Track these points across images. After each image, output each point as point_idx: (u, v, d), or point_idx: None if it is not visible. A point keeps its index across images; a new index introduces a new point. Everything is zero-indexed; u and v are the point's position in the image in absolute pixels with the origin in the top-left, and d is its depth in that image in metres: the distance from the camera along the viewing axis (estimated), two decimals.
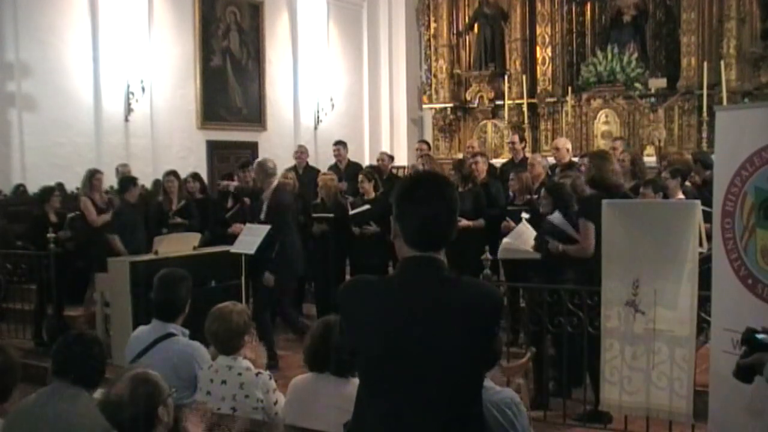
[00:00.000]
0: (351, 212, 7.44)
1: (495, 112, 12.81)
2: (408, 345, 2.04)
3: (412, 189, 2.16)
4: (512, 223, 6.32)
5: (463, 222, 6.50)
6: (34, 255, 7.14)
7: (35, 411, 2.79)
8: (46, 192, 7.54)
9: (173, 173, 7.97)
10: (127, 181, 7.48)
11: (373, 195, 7.55)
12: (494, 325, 2.12)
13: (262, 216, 6.67)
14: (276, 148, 11.51)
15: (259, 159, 6.99)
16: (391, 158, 9.74)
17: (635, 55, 11.55)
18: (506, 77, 12.43)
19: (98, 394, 2.65)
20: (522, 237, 5.85)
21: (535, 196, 6.50)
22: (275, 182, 6.74)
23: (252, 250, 6.97)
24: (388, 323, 2.07)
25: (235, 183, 8.19)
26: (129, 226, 7.15)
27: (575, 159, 8.18)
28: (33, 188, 8.72)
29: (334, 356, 3.06)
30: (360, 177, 7.75)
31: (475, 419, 2.13)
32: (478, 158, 7.56)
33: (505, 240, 5.91)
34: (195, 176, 8.49)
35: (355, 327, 2.17)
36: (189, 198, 8.00)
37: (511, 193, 7.18)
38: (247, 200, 7.78)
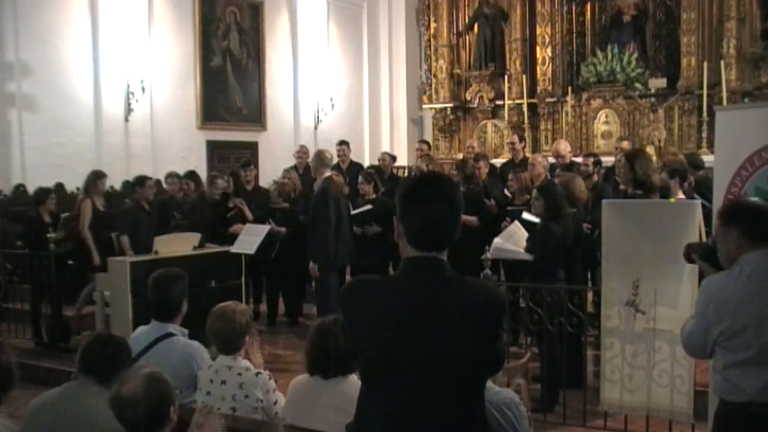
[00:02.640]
0: (353, 212, 7.44)
1: (495, 112, 12.82)
2: (410, 345, 2.04)
3: (416, 189, 2.15)
4: (509, 224, 6.36)
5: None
6: (34, 255, 7.14)
7: (60, 404, 2.82)
8: (42, 193, 7.51)
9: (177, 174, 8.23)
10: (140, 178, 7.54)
11: (373, 196, 7.56)
12: (497, 326, 2.11)
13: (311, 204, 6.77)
14: (276, 148, 11.52)
15: (319, 149, 7.13)
16: (393, 158, 9.75)
17: (635, 55, 11.56)
18: (506, 77, 12.44)
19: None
20: (513, 237, 5.86)
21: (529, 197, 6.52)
22: (327, 173, 6.77)
23: (252, 250, 7.00)
24: (390, 323, 2.07)
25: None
26: (136, 227, 7.16)
27: (578, 159, 8.18)
28: (33, 188, 8.71)
29: (333, 357, 3.06)
30: (360, 179, 7.76)
31: (478, 419, 2.13)
32: (481, 162, 7.66)
33: (496, 240, 5.92)
34: (189, 175, 8.52)
35: (357, 327, 2.17)
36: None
37: (509, 194, 7.19)
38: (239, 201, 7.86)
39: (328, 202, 6.57)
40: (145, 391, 2.42)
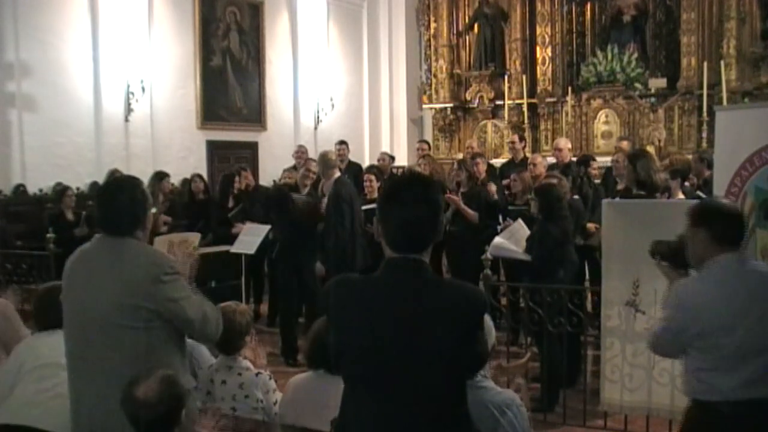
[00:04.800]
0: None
1: (495, 112, 12.82)
2: (391, 346, 2.05)
3: (393, 191, 2.16)
4: (511, 223, 6.37)
5: (459, 202, 6.59)
6: (35, 255, 7.16)
7: (90, 260, 2.86)
8: (61, 191, 7.63)
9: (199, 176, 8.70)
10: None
11: (376, 195, 7.57)
12: (476, 326, 2.11)
13: (323, 208, 6.76)
14: (276, 148, 11.52)
15: (322, 151, 7.14)
16: (392, 158, 9.78)
17: (635, 55, 11.56)
18: (506, 77, 12.44)
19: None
20: (515, 236, 5.86)
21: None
22: (336, 174, 6.78)
23: (252, 250, 7.01)
24: (370, 323, 2.08)
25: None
26: None
27: (576, 159, 8.18)
28: (33, 188, 8.72)
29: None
30: (368, 176, 7.76)
31: (460, 420, 2.13)
32: (479, 159, 7.65)
33: (496, 238, 5.93)
34: (200, 176, 8.66)
35: (339, 326, 2.18)
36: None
37: (512, 194, 7.21)
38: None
39: (342, 207, 6.56)
40: (159, 393, 2.43)
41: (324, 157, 6.90)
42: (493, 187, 7.34)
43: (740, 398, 2.75)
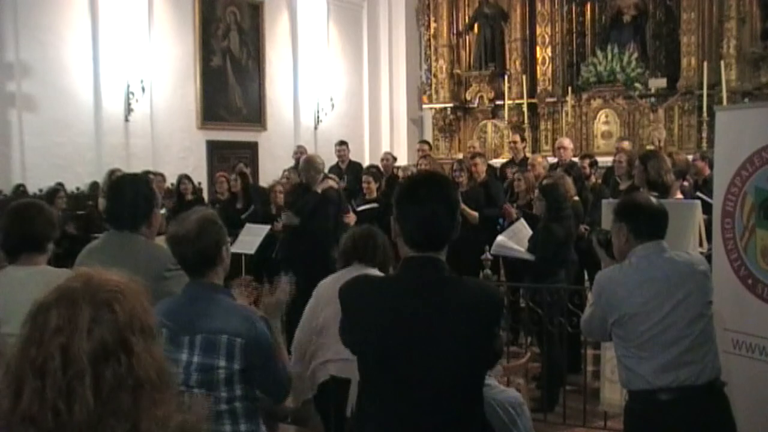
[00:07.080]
0: (358, 209, 7.44)
1: (495, 112, 12.81)
2: (407, 345, 2.05)
3: (411, 189, 2.17)
4: (513, 210, 6.42)
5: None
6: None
7: (96, 257, 2.92)
8: (52, 193, 7.63)
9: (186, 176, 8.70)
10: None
11: (375, 195, 7.57)
12: (495, 325, 2.13)
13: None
14: (276, 148, 11.52)
15: (307, 155, 6.96)
16: (394, 159, 9.83)
17: (635, 55, 11.56)
18: (506, 77, 12.44)
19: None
20: (518, 236, 5.87)
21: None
22: (329, 182, 6.65)
23: (252, 250, 7.00)
24: (388, 323, 2.08)
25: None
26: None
27: (576, 159, 8.19)
28: (33, 188, 8.72)
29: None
30: (366, 177, 7.75)
31: (476, 419, 2.13)
32: (477, 159, 7.64)
33: (499, 237, 5.94)
34: (188, 177, 8.66)
35: (356, 326, 2.18)
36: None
37: (515, 193, 7.22)
38: None
39: (329, 212, 6.51)
40: (198, 230, 2.54)
41: (311, 162, 6.56)
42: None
43: (662, 385, 2.81)
